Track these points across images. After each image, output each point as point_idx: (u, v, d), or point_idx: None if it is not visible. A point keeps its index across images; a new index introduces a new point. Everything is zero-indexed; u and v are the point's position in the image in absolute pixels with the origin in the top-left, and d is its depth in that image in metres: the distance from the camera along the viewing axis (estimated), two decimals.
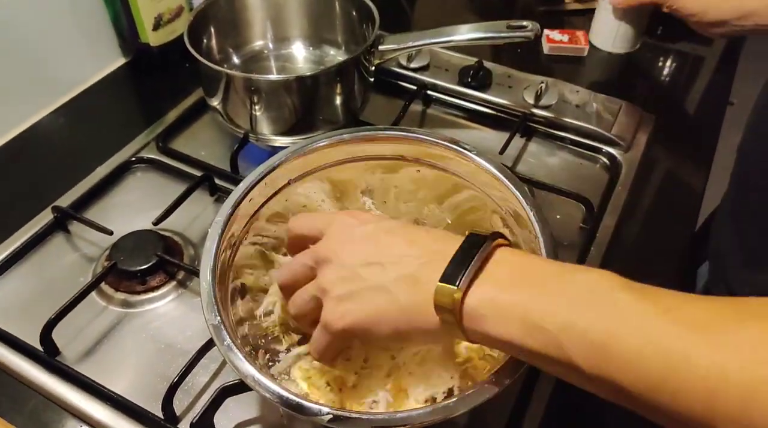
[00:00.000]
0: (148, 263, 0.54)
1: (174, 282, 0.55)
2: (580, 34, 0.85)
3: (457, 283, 0.33)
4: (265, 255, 0.50)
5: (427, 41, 0.64)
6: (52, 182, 0.65)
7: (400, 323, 0.35)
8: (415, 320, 0.35)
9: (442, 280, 0.33)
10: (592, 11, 0.86)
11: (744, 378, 0.26)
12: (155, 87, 0.79)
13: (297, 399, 0.36)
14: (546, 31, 0.85)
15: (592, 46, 0.85)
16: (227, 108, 0.64)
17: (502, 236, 0.35)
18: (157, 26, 0.75)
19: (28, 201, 0.63)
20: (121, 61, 0.81)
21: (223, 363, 0.50)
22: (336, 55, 0.77)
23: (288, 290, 0.42)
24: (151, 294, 0.54)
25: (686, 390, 0.27)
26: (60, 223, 0.60)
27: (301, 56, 0.77)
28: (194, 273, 0.55)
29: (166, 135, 0.71)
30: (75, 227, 0.61)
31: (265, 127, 0.64)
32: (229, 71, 0.61)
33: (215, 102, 0.65)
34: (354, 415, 0.35)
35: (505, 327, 0.32)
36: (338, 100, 0.64)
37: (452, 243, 0.35)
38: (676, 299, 0.29)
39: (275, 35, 0.76)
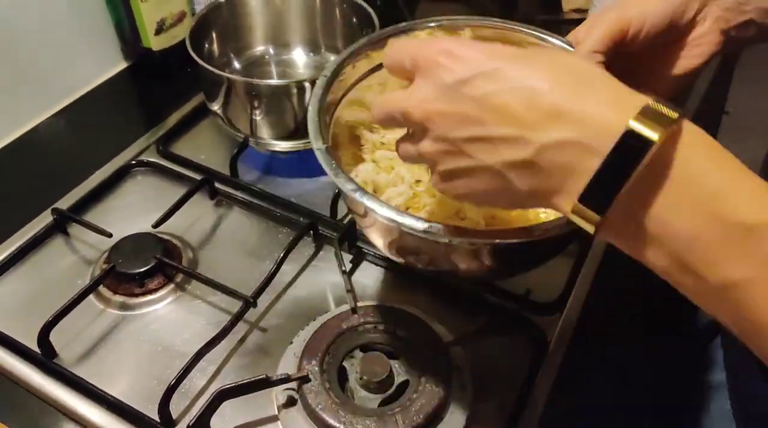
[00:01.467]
0: (146, 266, 0.54)
1: (172, 285, 0.56)
2: None
3: (602, 211, 0.27)
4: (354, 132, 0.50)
5: None
6: (52, 184, 0.65)
7: (518, 205, 0.34)
8: (537, 205, 0.31)
9: (583, 200, 0.27)
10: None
11: None
12: (156, 91, 0.79)
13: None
14: None
15: None
16: (228, 112, 0.64)
17: (679, 119, 0.26)
18: (159, 31, 0.76)
19: (28, 203, 0.63)
20: (123, 65, 0.81)
21: (221, 366, 0.50)
22: None
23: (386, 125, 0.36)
24: (149, 297, 0.54)
25: None
26: (59, 225, 0.61)
27: (301, 62, 0.77)
28: (193, 276, 0.55)
29: (167, 138, 0.71)
30: (74, 229, 0.61)
31: (265, 132, 0.65)
32: (230, 76, 0.62)
33: (216, 106, 0.66)
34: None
35: (649, 251, 0.28)
36: None
37: (588, 114, 0.27)
38: None
39: (276, 41, 0.76)
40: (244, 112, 0.63)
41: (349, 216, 0.63)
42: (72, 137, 0.72)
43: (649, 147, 0.26)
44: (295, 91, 0.60)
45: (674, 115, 0.26)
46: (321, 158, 0.41)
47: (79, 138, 0.72)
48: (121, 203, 0.65)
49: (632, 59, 0.43)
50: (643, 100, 0.27)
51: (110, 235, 0.57)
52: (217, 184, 0.65)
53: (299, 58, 0.77)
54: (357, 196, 0.39)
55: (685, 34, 0.44)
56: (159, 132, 0.72)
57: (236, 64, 0.74)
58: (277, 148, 0.67)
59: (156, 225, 0.58)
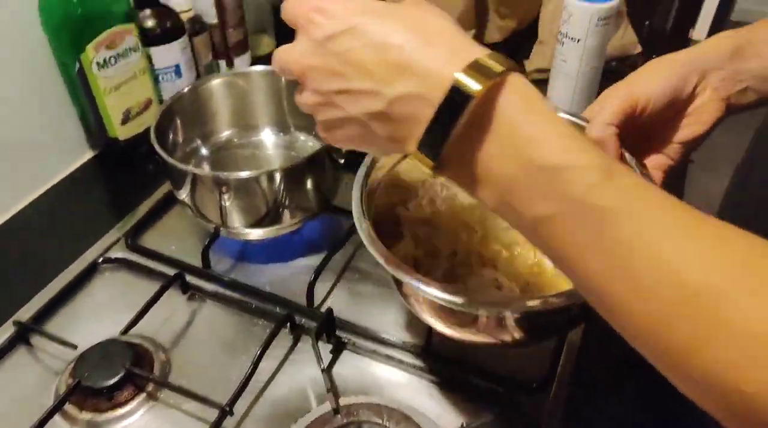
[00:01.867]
0: (114, 377, 0.51)
1: (144, 395, 0.53)
2: None
3: (434, 157, 0.30)
4: None
5: None
6: (15, 290, 0.62)
7: (384, 151, 0.39)
8: (397, 150, 0.33)
9: (422, 148, 0.31)
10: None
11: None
12: (124, 180, 0.78)
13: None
14: None
15: None
16: (196, 203, 0.63)
17: (506, 69, 0.29)
18: (125, 120, 0.75)
19: None
20: (89, 154, 0.80)
21: None
22: (306, 140, 0.77)
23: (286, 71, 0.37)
24: (119, 411, 0.51)
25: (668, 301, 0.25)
26: (21, 337, 0.58)
27: (270, 142, 0.77)
28: (164, 385, 0.53)
29: (136, 231, 0.69)
30: (38, 340, 0.58)
31: (236, 220, 0.63)
32: (195, 170, 0.61)
33: (184, 196, 0.64)
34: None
35: (481, 190, 0.31)
36: (310, 189, 0.64)
37: (436, 95, 0.29)
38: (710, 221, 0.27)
39: (243, 123, 0.76)
40: (213, 202, 0.62)
41: (326, 304, 0.61)
42: (36, 236, 0.70)
43: (470, 99, 0.28)
44: (265, 180, 0.60)
45: (499, 68, 0.29)
46: (366, 240, 0.46)
47: (44, 236, 0.70)
48: (88, 304, 0.62)
49: (644, 128, 0.47)
50: (477, 53, 0.30)
51: (75, 347, 0.55)
52: (188, 278, 0.63)
53: (268, 138, 0.77)
54: (407, 279, 0.42)
55: (688, 105, 0.47)
56: (128, 224, 0.70)
57: (203, 151, 0.73)
58: (250, 237, 0.65)
59: (125, 331, 0.55)
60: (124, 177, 0.78)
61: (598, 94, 0.83)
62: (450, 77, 0.29)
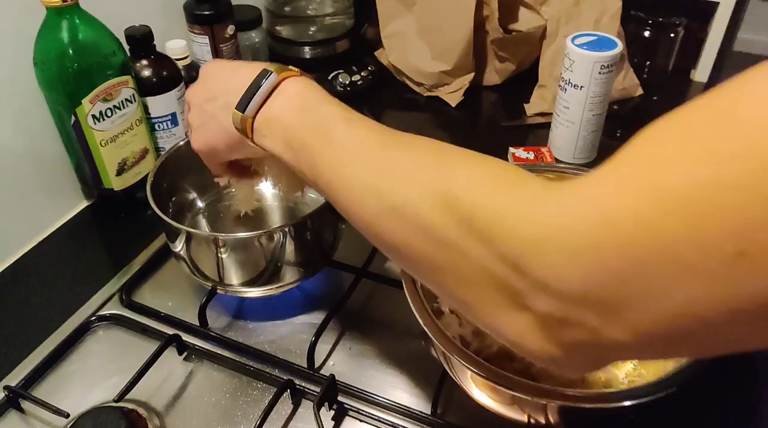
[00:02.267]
0: None
1: None
2: (544, 150, 0.86)
3: (244, 110, 0.44)
4: None
5: None
6: (4, 352, 0.60)
7: (227, 140, 0.47)
8: (233, 136, 0.46)
9: (237, 108, 0.44)
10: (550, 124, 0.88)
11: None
12: (119, 231, 0.76)
13: None
14: (511, 149, 0.86)
15: (556, 160, 0.86)
16: (193, 260, 0.61)
17: (291, 68, 0.45)
18: (121, 171, 0.73)
19: None
20: (83, 204, 0.78)
21: None
22: (306, 190, 0.75)
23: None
24: None
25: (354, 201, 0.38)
26: (12, 402, 0.56)
27: (270, 192, 0.75)
28: None
29: (131, 286, 0.67)
30: (29, 405, 0.56)
31: (234, 279, 0.62)
32: (191, 230, 0.59)
33: (180, 252, 0.63)
34: None
35: (275, 143, 0.43)
36: (312, 245, 0.63)
37: (256, 73, 0.44)
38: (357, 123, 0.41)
39: None
40: (210, 260, 0.60)
41: (328, 365, 0.60)
42: (27, 292, 0.68)
43: (269, 73, 0.44)
44: (264, 239, 0.58)
45: (294, 70, 0.45)
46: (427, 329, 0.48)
47: (35, 293, 0.68)
48: (81, 366, 0.60)
49: None
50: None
51: (67, 416, 0.52)
52: (185, 337, 0.61)
53: (267, 187, 0.76)
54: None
55: None
56: (123, 278, 0.68)
57: (200, 203, 0.72)
58: (248, 295, 0.64)
59: (118, 398, 0.53)
60: (118, 227, 0.77)
61: (602, 139, 0.84)
62: (259, 67, 0.45)
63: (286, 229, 0.58)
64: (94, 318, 0.64)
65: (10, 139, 0.68)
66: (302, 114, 0.42)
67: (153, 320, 0.64)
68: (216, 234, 0.60)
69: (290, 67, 0.45)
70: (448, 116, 0.99)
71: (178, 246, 0.61)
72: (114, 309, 0.65)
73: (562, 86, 0.80)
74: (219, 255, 0.59)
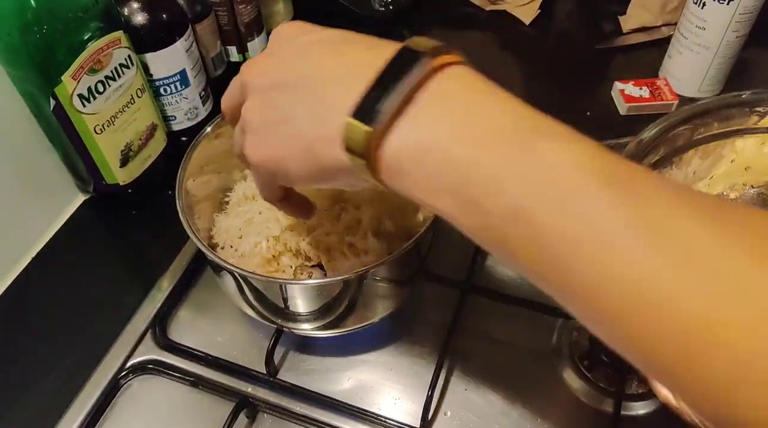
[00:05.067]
0: None
1: None
2: (661, 83, 0.67)
3: (371, 122, 0.24)
4: None
5: None
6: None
7: (308, 162, 0.28)
8: (322, 159, 0.27)
9: (354, 115, 0.25)
10: (658, 43, 0.69)
11: (738, 342, 0.18)
12: (132, 234, 0.59)
13: None
14: (618, 85, 0.67)
15: (678, 97, 0.67)
16: (250, 302, 0.45)
17: (451, 51, 0.25)
18: (126, 160, 0.55)
19: None
20: (80, 199, 0.60)
21: None
22: None
23: (232, 121, 0.34)
24: None
25: (662, 335, 0.20)
26: None
27: None
28: None
29: (164, 317, 0.52)
30: None
31: (307, 324, 0.46)
32: (254, 275, 0.42)
33: (232, 294, 0.46)
34: None
35: (436, 195, 0.24)
36: (409, 268, 0.46)
37: (387, 54, 0.25)
38: (680, 211, 0.20)
39: None
40: (273, 304, 0.44)
41: (445, 422, 0.46)
42: (27, 339, 0.52)
43: (421, 55, 0.24)
44: (341, 285, 0.42)
45: (453, 52, 0.25)
46: None
47: (38, 337, 0.52)
48: None
49: None
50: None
51: None
52: (251, 391, 0.47)
53: None
54: None
55: None
56: (151, 305, 0.52)
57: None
58: (319, 335, 0.48)
59: None
60: (129, 229, 0.59)
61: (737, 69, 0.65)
62: (387, 43, 0.26)
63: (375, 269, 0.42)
64: (125, 371, 0.49)
65: None
66: (498, 144, 0.23)
67: (202, 365, 0.49)
68: (279, 279, 0.44)
69: (440, 42, 0.25)
70: (520, 37, 0.78)
71: (232, 290, 0.45)
72: (149, 352, 0.50)
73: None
74: (285, 301, 0.43)
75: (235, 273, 0.42)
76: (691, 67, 0.65)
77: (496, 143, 0.23)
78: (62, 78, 0.46)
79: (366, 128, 0.24)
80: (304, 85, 0.28)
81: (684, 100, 0.67)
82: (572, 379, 0.48)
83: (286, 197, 0.37)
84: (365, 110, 0.24)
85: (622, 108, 0.66)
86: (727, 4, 0.58)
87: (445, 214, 0.25)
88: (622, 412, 0.45)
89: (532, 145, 0.23)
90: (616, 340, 0.22)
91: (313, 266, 0.49)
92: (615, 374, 0.47)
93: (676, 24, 0.65)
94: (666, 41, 0.69)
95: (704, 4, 0.59)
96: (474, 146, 0.23)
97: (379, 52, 0.25)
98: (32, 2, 0.43)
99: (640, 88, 0.67)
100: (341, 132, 0.25)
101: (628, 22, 0.75)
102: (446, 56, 0.25)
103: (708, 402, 0.20)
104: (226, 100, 0.35)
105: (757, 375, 0.18)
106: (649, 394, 0.46)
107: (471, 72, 0.25)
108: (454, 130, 0.24)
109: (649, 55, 0.72)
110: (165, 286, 0.54)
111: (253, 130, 0.31)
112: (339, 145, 0.26)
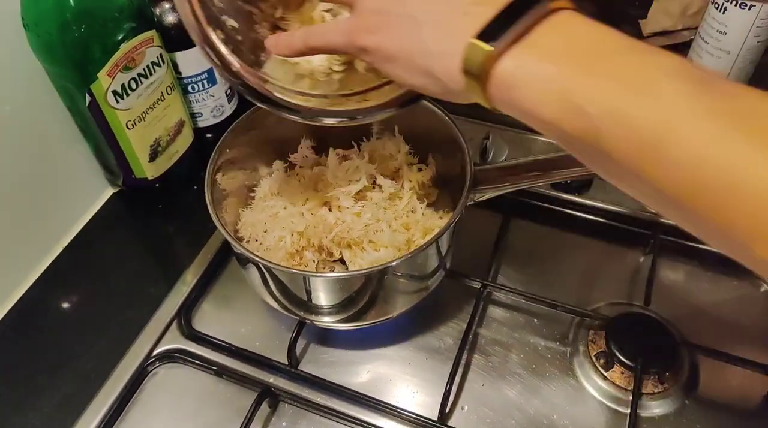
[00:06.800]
0: None
1: None
2: None
3: (494, 43, 0.28)
4: None
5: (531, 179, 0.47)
6: (41, 416, 0.47)
7: (420, 67, 0.31)
8: (437, 70, 0.31)
9: (479, 37, 0.28)
10: (679, 47, 0.69)
11: None
12: (158, 228, 0.61)
13: None
14: None
15: None
16: (273, 293, 0.47)
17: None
18: (154, 155, 0.57)
19: None
20: (109, 192, 0.62)
21: None
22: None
23: None
24: None
25: (737, 209, 0.23)
26: None
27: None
28: None
29: (189, 308, 0.53)
30: None
31: (328, 317, 0.47)
32: (278, 267, 0.43)
33: (257, 286, 0.48)
34: None
35: (541, 102, 0.28)
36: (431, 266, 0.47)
37: None
38: (760, 104, 0.24)
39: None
40: (296, 296, 0.45)
41: (463, 416, 0.46)
42: (59, 325, 0.54)
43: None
44: (363, 279, 0.43)
45: (493, 53, 0.28)
46: None
47: (69, 323, 0.53)
48: (148, 425, 0.48)
49: None
50: None
51: None
52: (272, 381, 0.48)
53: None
54: None
55: None
56: (177, 297, 0.54)
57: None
58: (340, 328, 0.50)
59: None
60: (156, 222, 0.61)
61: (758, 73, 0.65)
62: None
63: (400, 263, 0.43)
64: (152, 358, 0.50)
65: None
66: (601, 61, 0.27)
67: (225, 355, 0.50)
68: (305, 272, 0.45)
69: None
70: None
71: (257, 280, 0.46)
72: (174, 342, 0.51)
73: (719, 3, 0.60)
74: (308, 293, 0.44)
75: (260, 265, 0.43)
76: (717, 66, 0.65)
77: (600, 58, 0.27)
78: (98, 75, 0.48)
79: (488, 47, 0.28)
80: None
81: None
82: (588, 378, 0.48)
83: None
84: (491, 33, 0.28)
85: None
86: (749, 9, 0.58)
87: (549, 122, 0.28)
88: (639, 412, 0.46)
89: (633, 57, 0.26)
90: (699, 211, 0.25)
91: (334, 261, 0.50)
92: (631, 373, 0.47)
93: (696, 28, 0.66)
94: (686, 45, 0.69)
95: (725, 9, 0.60)
96: (580, 62, 0.27)
97: None
98: (71, 2, 0.45)
99: None
100: (462, 51, 0.29)
101: (648, 26, 0.75)
102: (561, 2, 0.29)
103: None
104: None
105: None
106: (666, 394, 0.47)
107: (579, 15, 0.29)
108: (565, 49, 0.27)
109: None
110: (190, 279, 0.55)
111: (370, 9, 0.33)
112: (459, 63, 0.29)
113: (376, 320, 0.48)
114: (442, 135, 0.50)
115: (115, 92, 0.49)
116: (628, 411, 0.45)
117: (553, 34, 0.28)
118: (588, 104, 0.26)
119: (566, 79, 0.27)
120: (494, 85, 0.29)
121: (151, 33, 0.51)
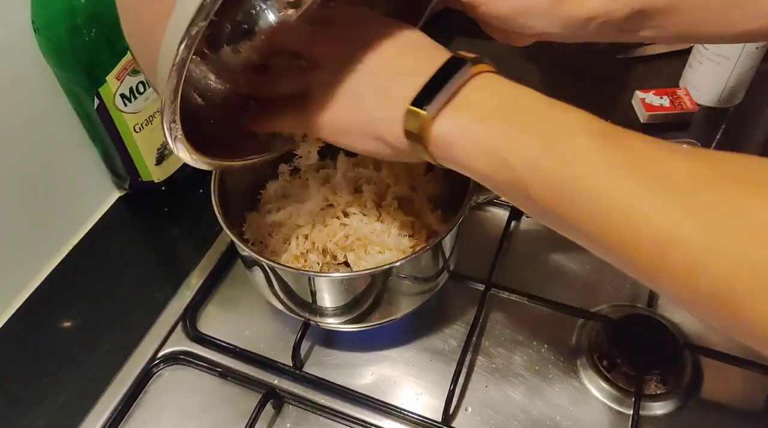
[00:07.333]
0: None
1: None
2: (681, 92, 0.68)
3: (427, 108, 0.32)
4: None
5: None
6: (45, 416, 0.48)
7: (370, 133, 0.35)
8: (384, 133, 0.34)
9: (414, 104, 0.32)
10: (679, 53, 0.70)
11: (697, 244, 0.24)
12: (163, 230, 0.61)
13: None
14: (639, 94, 0.69)
15: (698, 106, 0.68)
16: (278, 294, 0.47)
17: (486, 62, 0.33)
18: (161, 158, 0.57)
19: None
20: (115, 195, 0.63)
21: None
22: None
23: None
24: None
25: (638, 247, 0.26)
26: None
27: None
28: None
29: (194, 310, 0.54)
30: None
31: (333, 318, 0.48)
32: (283, 267, 0.43)
33: (261, 287, 0.48)
34: None
35: (475, 157, 0.31)
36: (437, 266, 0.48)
37: (438, 61, 0.33)
38: (653, 152, 0.27)
39: None
40: (301, 298, 0.46)
41: (466, 417, 0.47)
42: (65, 323, 0.54)
43: (466, 62, 0.32)
44: (367, 280, 0.43)
45: (488, 63, 0.33)
46: None
47: (75, 324, 0.54)
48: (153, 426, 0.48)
49: None
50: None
51: None
52: (277, 382, 0.48)
53: None
54: None
55: None
56: (182, 299, 0.54)
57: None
58: (344, 329, 0.50)
59: None
60: (161, 225, 0.61)
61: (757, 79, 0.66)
62: (439, 52, 0.34)
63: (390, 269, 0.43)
64: (157, 360, 0.51)
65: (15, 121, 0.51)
66: (523, 120, 0.31)
67: (230, 357, 0.50)
68: (307, 272, 0.45)
69: (476, 55, 0.33)
70: (542, 47, 0.79)
71: (261, 281, 0.47)
72: (180, 344, 0.52)
73: None
74: (312, 293, 0.44)
75: (265, 266, 0.44)
76: (712, 77, 0.66)
77: (518, 116, 0.31)
78: (107, 78, 0.48)
79: (422, 112, 0.31)
80: (374, 71, 0.35)
81: (704, 110, 0.68)
82: (591, 379, 0.48)
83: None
84: (424, 98, 0.32)
85: (643, 116, 0.68)
86: None
87: (483, 174, 0.31)
88: (641, 412, 0.46)
89: (545, 115, 0.30)
90: (610, 255, 0.28)
91: (339, 264, 0.51)
92: (634, 374, 0.47)
93: None
94: (687, 51, 0.70)
95: None
96: (502, 120, 0.31)
97: (435, 56, 0.33)
98: (81, 6, 0.46)
99: (661, 98, 0.68)
100: (402, 117, 0.32)
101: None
102: (483, 65, 0.32)
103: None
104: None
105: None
106: (669, 395, 0.47)
107: (500, 77, 0.33)
108: (488, 110, 0.31)
109: (669, 65, 0.74)
110: (195, 281, 0.56)
111: (320, 94, 0.36)
112: (401, 126, 0.33)
113: (380, 321, 0.48)
114: None
115: (123, 95, 0.50)
116: (631, 412, 0.46)
117: (478, 95, 0.32)
118: (512, 158, 0.30)
119: (493, 135, 0.30)
120: (433, 144, 0.32)
121: None
